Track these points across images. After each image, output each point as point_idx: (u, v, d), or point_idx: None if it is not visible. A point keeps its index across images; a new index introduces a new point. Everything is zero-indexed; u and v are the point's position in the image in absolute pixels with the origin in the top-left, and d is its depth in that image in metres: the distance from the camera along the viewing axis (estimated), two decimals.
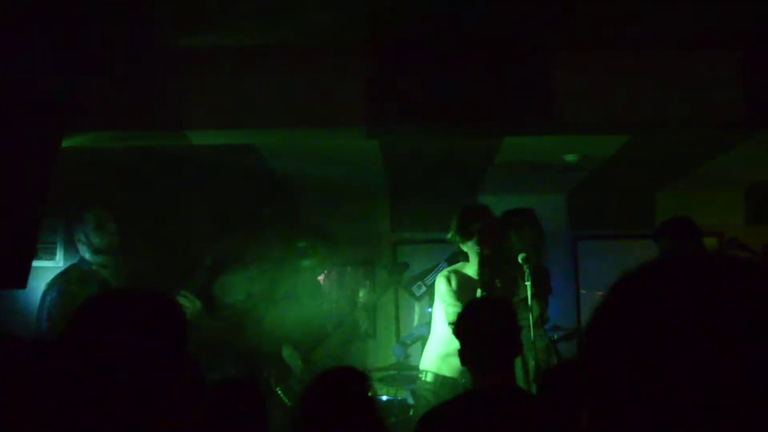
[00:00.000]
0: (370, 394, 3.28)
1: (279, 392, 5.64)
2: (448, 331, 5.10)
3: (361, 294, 8.48)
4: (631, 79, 4.68)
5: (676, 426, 0.92)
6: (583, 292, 8.82)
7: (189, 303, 5.35)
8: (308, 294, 6.04)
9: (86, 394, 1.64)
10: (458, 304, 5.05)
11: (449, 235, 5.33)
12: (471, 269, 5.27)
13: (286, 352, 5.84)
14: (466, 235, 5.19)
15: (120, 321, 1.72)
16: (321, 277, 7.02)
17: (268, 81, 4.70)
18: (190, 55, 4.63)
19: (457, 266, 5.35)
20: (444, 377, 5.11)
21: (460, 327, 3.45)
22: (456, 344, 4.96)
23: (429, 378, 5.14)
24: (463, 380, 5.07)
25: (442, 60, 4.68)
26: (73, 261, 5.49)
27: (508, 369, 3.33)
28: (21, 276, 4.19)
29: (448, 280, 5.23)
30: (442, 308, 5.21)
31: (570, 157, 6.90)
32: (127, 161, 6.23)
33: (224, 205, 7.58)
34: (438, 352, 5.20)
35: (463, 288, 5.18)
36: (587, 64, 4.70)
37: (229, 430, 3.28)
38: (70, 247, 5.74)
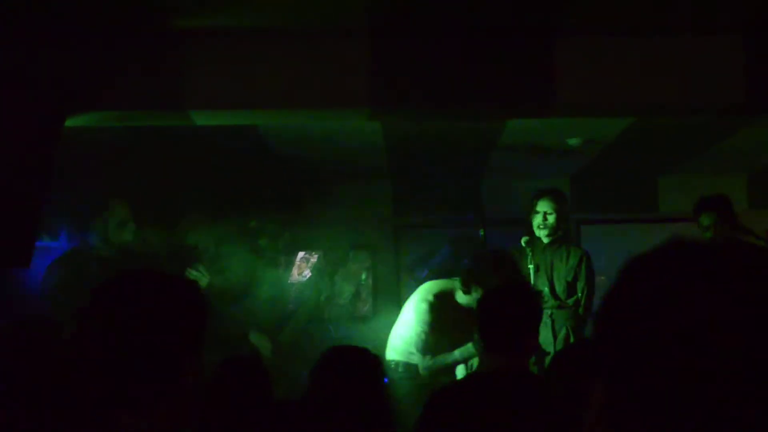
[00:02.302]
0: (381, 376, 3.29)
1: None
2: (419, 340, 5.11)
3: (363, 276, 8.51)
4: (633, 63, 4.68)
5: (688, 405, 0.95)
6: None
7: (199, 275, 5.41)
8: (268, 276, 6.01)
9: (107, 378, 1.65)
10: (428, 333, 5.02)
11: (461, 282, 5.07)
12: (457, 299, 5.14)
13: (254, 336, 5.82)
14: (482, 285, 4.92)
15: (141, 303, 1.71)
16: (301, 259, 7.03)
17: (271, 62, 4.70)
18: (194, 35, 4.63)
19: (445, 289, 5.17)
20: (414, 364, 5.11)
21: (480, 304, 3.46)
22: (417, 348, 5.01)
23: (401, 368, 5.09)
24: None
25: (445, 42, 4.68)
26: (79, 239, 5.53)
27: (516, 352, 3.32)
28: (25, 254, 4.22)
29: (432, 307, 5.08)
30: (415, 329, 5.10)
31: (573, 141, 6.90)
32: (127, 142, 6.25)
33: (225, 187, 7.59)
34: (405, 349, 5.17)
35: (440, 316, 5.08)
36: (590, 47, 4.70)
37: (236, 405, 3.31)
38: (74, 227, 5.77)
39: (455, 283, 5.18)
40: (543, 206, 5.48)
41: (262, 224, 6.09)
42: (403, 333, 5.20)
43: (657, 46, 4.66)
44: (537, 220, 5.47)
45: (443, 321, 5.06)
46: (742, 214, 7.79)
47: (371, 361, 3.28)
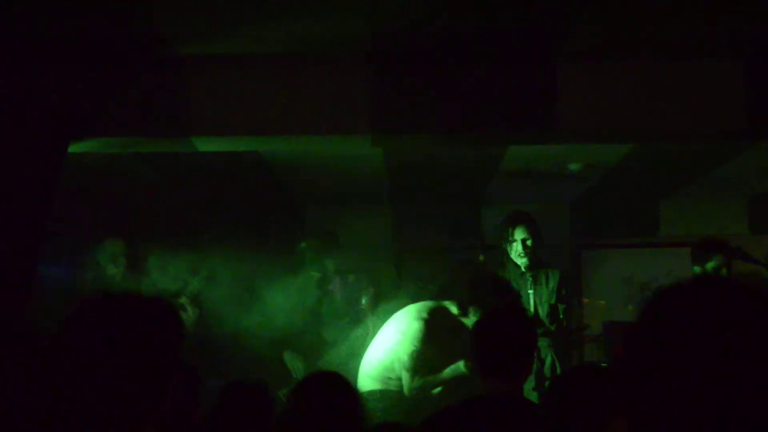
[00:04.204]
0: (356, 403, 3.26)
1: (281, 397, 5.61)
2: (400, 360, 4.98)
3: (363, 301, 8.47)
4: (634, 89, 4.69)
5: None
6: (586, 300, 8.81)
7: (189, 310, 5.35)
8: (312, 299, 5.97)
9: (76, 398, 1.64)
10: (420, 353, 4.87)
11: (458, 306, 4.97)
12: (450, 317, 5.03)
13: (288, 357, 5.80)
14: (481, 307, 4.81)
15: (113, 324, 1.71)
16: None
17: (273, 88, 4.72)
18: (196, 62, 4.65)
19: (439, 307, 5.06)
20: (391, 391, 4.96)
21: (478, 329, 3.44)
22: (395, 371, 4.95)
23: (378, 396, 4.90)
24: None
25: (446, 68, 4.70)
26: (76, 270, 5.54)
27: (513, 377, 3.31)
28: (27, 281, 4.21)
29: (428, 325, 4.93)
30: (405, 347, 4.93)
31: (573, 166, 6.92)
32: (132, 168, 6.27)
33: (229, 212, 7.59)
34: (384, 375, 5.02)
35: (431, 334, 4.95)
36: (591, 73, 4.71)
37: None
38: (75, 256, 5.79)
39: (446, 304, 5.15)
40: (520, 234, 5.35)
41: (311, 245, 6.05)
42: (382, 357, 5.06)
43: (659, 72, 4.68)
44: (517, 248, 5.33)
45: (436, 340, 5.00)
46: (742, 238, 7.80)
47: (349, 388, 3.26)
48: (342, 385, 3.24)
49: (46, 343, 1.85)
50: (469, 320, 4.89)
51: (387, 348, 5.07)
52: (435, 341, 4.97)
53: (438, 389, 5.00)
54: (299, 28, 4.26)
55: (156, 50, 4.53)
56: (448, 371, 4.90)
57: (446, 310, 5.05)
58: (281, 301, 5.63)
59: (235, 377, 3.64)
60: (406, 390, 4.92)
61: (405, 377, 4.93)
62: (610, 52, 4.61)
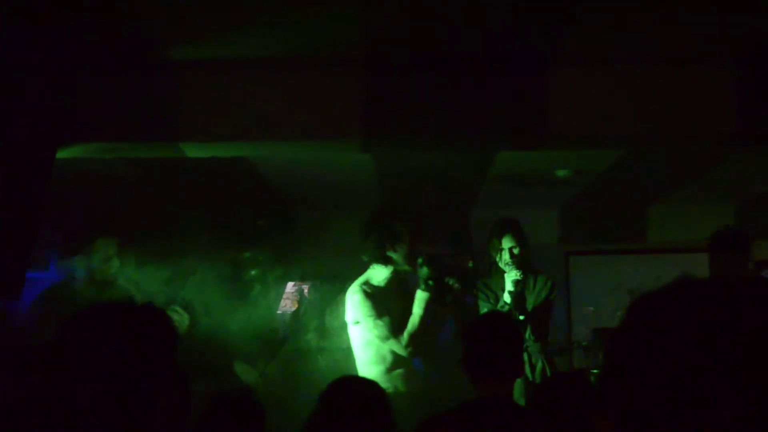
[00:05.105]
0: (388, 408, 3.27)
1: None
2: (379, 346, 5.04)
3: None
4: (624, 95, 4.70)
5: None
6: (574, 307, 8.82)
7: (178, 317, 5.31)
8: (257, 307, 5.94)
9: (74, 406, 1.63)
10: (383, 316, 4.97)
11: (378, 258, 5.15)
12: (381, 277, 5.18)
13: (239, 368, 5.72)
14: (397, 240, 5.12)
15: (110, 333, 1.72)
16: (291, 288, 7.00)
17: (263, 94, 4.71)
18: (185, 67, 4.63)
19: (366, 278, 5.19)
20: (399, 392, 4.96)
21: (468, 335, 3.46)
22: (390, 358, 4.98)
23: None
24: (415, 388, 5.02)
25: (436, 74, 4.70)
26: (66, 272, 5.50)
27: (505, 380, 3.34)
28: (15, 287, 4.19)
29: (364, 293, 5.06)
30: (367, 324, 5.03)
31: (561, 173, 6.93)
32: (122, 173, 6.24)
33: (219, 217, 7.57)
34: (380, 371, 5.05)
35: (378, 299, 5.06)
36: (581, 79, 4.72)
37: None
38: (64, 259, 5.75)
39: (366, 274, 5.21)
40: (507, 243, 5.34)
41: (254, 256, 6.03)
42: (369, 356, 5.12)
43: (649, 77, 4.69)
44: (504, 257, 5.32)
45: (381, 295, 5.04)
46: None
47: (380, 393, 3.27)
48: (373, 389, 3.25)
49: (41, 350, 1.84)
50: (395, 261, 5.12)
51: (362, 345, 5.11)
52: (380, 297, 5.03)
53: (431, 340, 5.05)
54: (290, 33, 4.25)
55: (146, 55, 4.52)
56: (416, 308, 4.99)
57: (368, 279, 5.16)
58: (226, 307, 5.63)
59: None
60: (404, 353, 4.99)
61: (393, 345, 5.01)
62: (601, 57, 4.62)
